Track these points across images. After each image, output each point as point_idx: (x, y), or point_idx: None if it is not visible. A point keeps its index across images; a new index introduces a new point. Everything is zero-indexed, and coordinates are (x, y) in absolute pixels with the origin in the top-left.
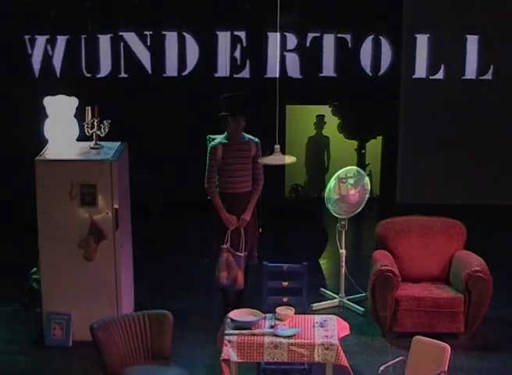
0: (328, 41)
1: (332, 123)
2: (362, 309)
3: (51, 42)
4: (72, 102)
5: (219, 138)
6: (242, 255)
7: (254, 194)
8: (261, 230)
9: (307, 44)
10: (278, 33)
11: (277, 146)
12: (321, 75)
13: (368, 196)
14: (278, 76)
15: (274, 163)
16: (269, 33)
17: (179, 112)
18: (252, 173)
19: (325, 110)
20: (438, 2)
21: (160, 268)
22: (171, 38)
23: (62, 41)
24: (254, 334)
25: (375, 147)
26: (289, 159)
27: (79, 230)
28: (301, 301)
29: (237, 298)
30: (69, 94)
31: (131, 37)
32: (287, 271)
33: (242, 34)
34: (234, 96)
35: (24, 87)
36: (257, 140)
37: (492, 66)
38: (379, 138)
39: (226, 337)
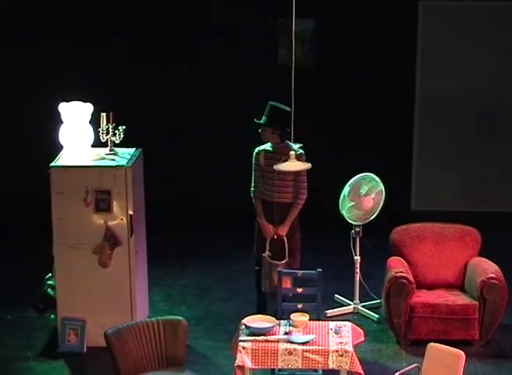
0: None
1: None
2: (377, 316)
3: None
4: (87, 108)
5: (267, 145)
6: (281, 263)
7: (293, 207)
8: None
9: None
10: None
11: (292, 152)
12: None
13: (382, 203)
14: (293, 92)
15: (288, 169)
16: None
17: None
18: (294, 186)
19: None
20: None
21: (174, 274)
22: None
23: None
24: (268, 341)
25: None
26: (303, 166)
27: (94, 237)
28: (316, 307)
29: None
30: (84, 101)
31: None
32: (302, 277)
33: None
34: (274, 107)
35: (39, 92)
36: (300, 151)
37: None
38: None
39: (241, 344)
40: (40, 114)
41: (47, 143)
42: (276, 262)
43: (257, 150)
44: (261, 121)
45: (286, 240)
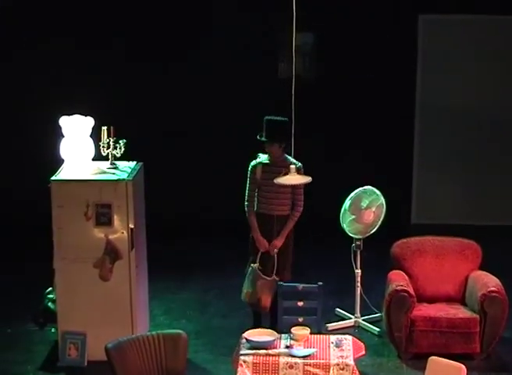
0: None
1: None
2: (377, 329)
3: None
4: (88, 122)
5: (263, 158)
6: (270, 279)
7: (290, 219)
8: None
9: None
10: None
11: (292, 166)
12: None
13: (383, 216)
14: (293, 101)
15: (289, 183)
16: None
17: None
18: (291, 198)
19: None
20: None
21: (174, 288)
22: None
23: None
24: (269, 355)
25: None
26: (304, 179)
27: (94, 250)
28: (317, 321)
29: (271, 323)
30: (85, 115)
31: None
32: (302, 291)
33: None
34: (271, 121)
35: (40, 106)
36: (299, 164)
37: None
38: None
39: (242, 357)
40: (41, 127)
41: (47, 157)
42: (265, 277)
43: (253, 163)
44: (265, 139)
45: (276, 257)
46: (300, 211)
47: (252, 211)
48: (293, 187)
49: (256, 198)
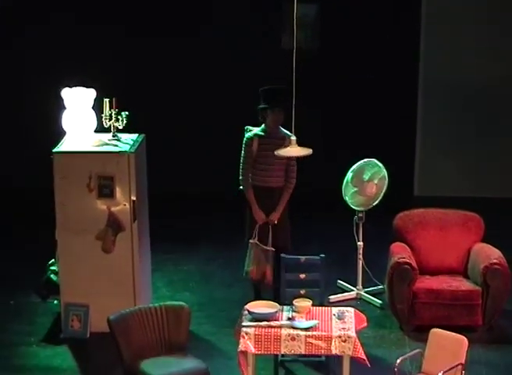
0: None
1: None
2: (380, 302)
3: None
4: (90, 94)
5: (256, 130)
6: (270, 249)
7: (285, 191)
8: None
9: None
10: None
11: (293, 138)
12: None
13: (385, 188)
14: (294, 77)
15: (289, 155)
16: None
17: None
18: (285, 170)
19: None
20: None
21: (177, 260)
22: None
23: None
24: (271, 326)
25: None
26: (304, 151)
27: (97, 222)
28: (319, 293)
29: (274, 298)
30: (87, 86)
31: None
32: (305, 263)
33: None
34: (274, 89)
35: (42, 78)
36: (293, 136)
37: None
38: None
39: (244, 329)
40: (43, 99)
41: (50, 128)
42: (267, 248)
43: (248, 136)
44: (275, 106)
45: (274, 230)
46: (293, 183)
47: (249, 184)
48: (289, 158)
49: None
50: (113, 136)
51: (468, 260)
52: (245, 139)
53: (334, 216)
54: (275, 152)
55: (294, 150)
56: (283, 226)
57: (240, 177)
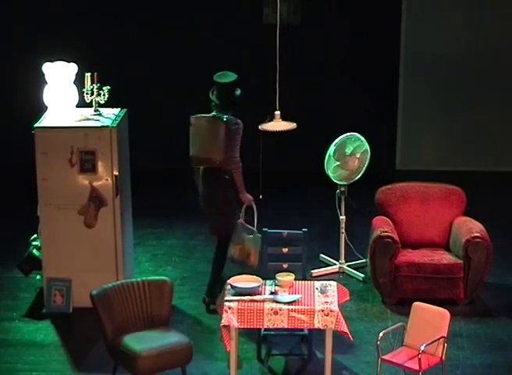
0: None
1: None
2: (362, 275)
3: None
4: (72, 68)
5: (230, 116)
6: (254, 230)
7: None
8: (261, 196)
9: None
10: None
11: (277, 112)
12: None
13: (367, 162)
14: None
15: (274, 130)
16: None
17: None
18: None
19: None
20: None
21: (160, 234)
22: None
23: None
24: (254, 301)
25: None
26: (289, 126)
27: (79, 197)
28: (301, 267)
29: None
30: (68, 61)
31: None
32: (287, 237)
33: None
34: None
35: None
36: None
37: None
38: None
39: (226, 304)
40: (24, 74)
41: (31, 103)
42: (253, 229)
43: (239, 121)
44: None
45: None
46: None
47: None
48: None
49: None
50: (95, 111)
51: (450, 234)
52: (239, 124)
53: (317, 190)
54: (260, 127)
55: (279, 124)
56: (217, 213)
57: (238, 159)
